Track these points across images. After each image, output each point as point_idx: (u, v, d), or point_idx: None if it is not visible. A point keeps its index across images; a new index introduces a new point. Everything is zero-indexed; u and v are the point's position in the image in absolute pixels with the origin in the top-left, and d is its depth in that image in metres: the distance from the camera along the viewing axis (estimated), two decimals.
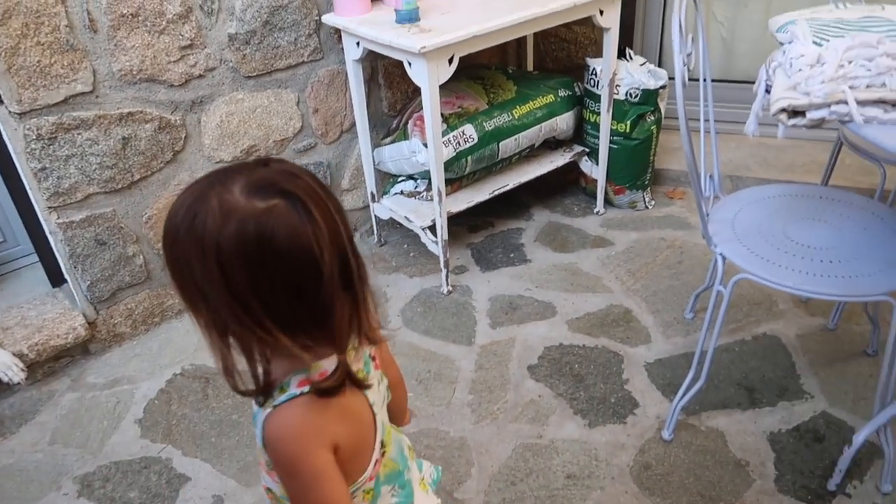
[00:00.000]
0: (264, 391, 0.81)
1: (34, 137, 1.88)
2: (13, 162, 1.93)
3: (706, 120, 1.69)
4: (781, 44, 1.50)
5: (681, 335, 2.05)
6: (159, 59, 2.00)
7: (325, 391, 0.79)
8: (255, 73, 2.20)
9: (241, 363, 0.78)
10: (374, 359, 0.93)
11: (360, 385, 0.85)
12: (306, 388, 0.79)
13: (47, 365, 2.12)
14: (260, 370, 0.79)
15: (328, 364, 0.80)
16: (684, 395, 1.70)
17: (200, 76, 2.10)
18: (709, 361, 1.63)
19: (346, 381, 0.81)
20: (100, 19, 1.87)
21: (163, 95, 2.05)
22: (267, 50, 2.19)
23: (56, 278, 2.23)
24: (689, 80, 1.47)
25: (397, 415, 1.13)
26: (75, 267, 2.08)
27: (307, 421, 0.80)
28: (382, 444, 0.93)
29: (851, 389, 1.81)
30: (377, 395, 0.92)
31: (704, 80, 1.68)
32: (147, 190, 2.12)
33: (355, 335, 0.83)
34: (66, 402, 2.04)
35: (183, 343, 2.24)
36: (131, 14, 1.91)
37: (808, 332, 2.01)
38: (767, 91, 1.58)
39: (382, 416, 0.94)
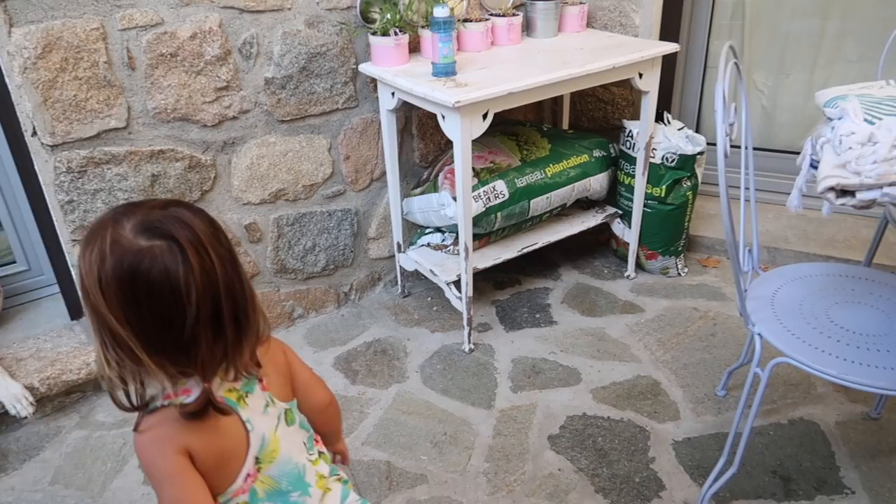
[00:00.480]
0: (142, 408, 0.92)
1: (64, 170, 1.88)
2: (42, 192, 1.93)
3: (746, 188, 1.62)
4: (829, 119, 1.44)
5: (712, 413, 1.95)
6: (194, 98, 2.01)
7: (190, 414, 0.90)
8: (288, 118, 2.20)
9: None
10: (261, 380, 1.02)
11: (221, 411, 0.93)
12: (166, 402, 0.91)
13: (57, 399, 2.08)
14: (132, 389, 0.89)
15: (194, 384, 0.91)
16: (715, 480, 1.59)
17: (234, 118, 2.10)
18: (743, 447, 1.53)
19: (208, 406, 0.90)
20: (139, 57, 1.89)
21: (195, 135, 2.05)
22: (302, 95, 2.19)
23: (75, 311, 2.21)
24: (731, 146, 1.41)
25: (317, 414, 1.19)
26: None
27: (160, 429, 0.91)
28: (258, 461, 0.99)
29: None
30: (257, 414, 0.99)
31: (746, 148, 1.62)
32: None
33: (224, 367, 0.93)
34: (72, 439, 1.99)
35: None
36: (170, 54, 1.93)
37: (849, 420, 1.89)
38: (812, 166, 1.52)
39: (265, 433, 0.99)
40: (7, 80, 1.77)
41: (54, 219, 1.93)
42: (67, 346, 2.11)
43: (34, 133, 1.82)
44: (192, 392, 0.90)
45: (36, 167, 1.87)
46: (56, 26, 1.75)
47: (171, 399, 0.91)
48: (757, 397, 1.46)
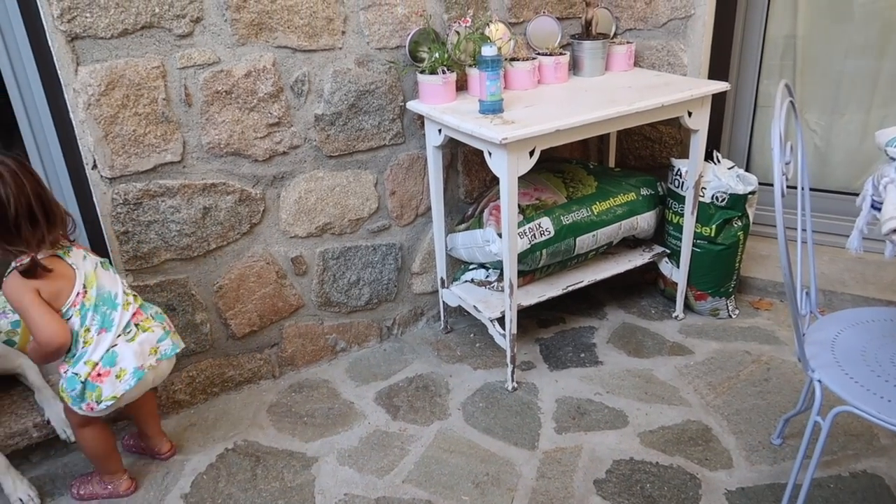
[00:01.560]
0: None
1: (121, 202, 1.93)
2: (99, 223, 1.98)
3: (803, 230, 1.58)
4: (892, 158, 1.40)
5: (767, 463, 1.86)
6: (247, 134, 2.06)
7: (25, 272, 1.57)
8: (336, 153, 2.23)
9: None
10: (73, 242, 1.72)
11: (45, 269, 1.60)
12: (19, 265, 1.58)
13: None
14: None
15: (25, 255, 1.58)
16: None
17: (284, 153, 2.15)
18: (802, 501, 1.45)
19: (37, 266, 1.58)
20: (196, 94, 1.95)
21: (246, 169, 2.10)
22: (350, 132, 2.23)
23: None
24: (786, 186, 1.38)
25: None
26: None
27: (17, 279, 1.58)
28: (84, 286, 1.66)
29: None
30: (79, 260, 1.67)
31: (802, 188, 1.58)
32: (221, 260, 2.15)
33: (46, 244, 1.61)
34: None
35: (239, 416, 2.19)
36: (225, 91, 1.99)
37: None
38: (874, 207, 1.47)
39: (86, 270, 1.67)
40: (72, 115, 1.84)
41: (109, 249, 1.98)
42: None
43: (94, 166, 1.88)
44: (23, 260, 1.57)
45: (94, 199, 1.93)
46: (119, 65, 1.82)
47: (20, 264, 1.58)
48: (817, 448, 1.39)
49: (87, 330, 1.66)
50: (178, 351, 1.82)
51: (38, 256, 1.59)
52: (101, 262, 1.74)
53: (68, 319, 1.64)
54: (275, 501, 1.86)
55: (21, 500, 1.85)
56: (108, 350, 1.67)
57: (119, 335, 1.69)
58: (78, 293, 1.64)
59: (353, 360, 2.47)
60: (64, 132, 1.89)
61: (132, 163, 1.91)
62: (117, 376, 1.68)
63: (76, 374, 1.65)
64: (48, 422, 1.99)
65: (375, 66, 2.21)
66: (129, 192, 1.94)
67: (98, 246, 2.07)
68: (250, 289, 2.22)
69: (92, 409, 1.68)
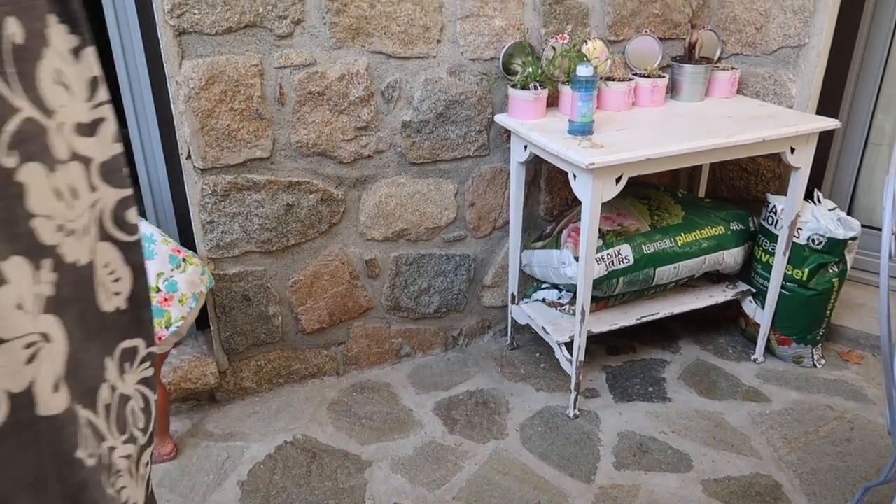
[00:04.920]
0: None
1: (209, 192, 2.00)
2: (188, 211, 2.06)
3: None
4: None
5: None
6: (335, 136, 2.09)
7: None
8: (420, 161, 2.24)
9: None
10: None
11: None
12: None
13: (174, 405, 2.19)
14: None
15: None
16: None
17: (369, 156, 2.17)
18: None
19: None
20: (289, 94, 1.99)
21: (331, 170, 2.13)
22: (436, 140, 2.23)
23: (201, 322, 2.33)
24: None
25: None
26: (219, 316, 2.16)
27: None
28: None
29: None
30: None
31: None
32: (298, 256, 2.19)
33: None
34: (182, 446, 2.09)
35: (300, 409, 2.24)
36: (318, 92, 2.02)
37: None
38: None
39: None
40: (172, 106, 1.92)
41: (195, 236, 2.06)
42: (190, 355, 2.23)
43: (188, 156, 1.96)
44: None
45: (186, 187, 2.01)
46: (221, 61, 1.88)
47: None
48: None
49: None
50: (212, 285, 2.03)
51: None
52: None
53: None
54: (326, 501, 1.89)
55: None
56: (164, 280, 1.85)
57: (173, 269, 1.87)
58: None
59: (416, 367, 2.47)
60: (164, 122, 1.97)
61: (224, 156, 1.98)
62: (180, 301, 1.86)
63: None
64: None
65: (467, 77, 2.19)
66: (218, 184, 2.00)
67: (185, 232, 2.16)
68: (323, 286, 2.26)
69: (161, 338, 1.79)
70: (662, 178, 2.72)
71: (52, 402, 0.61)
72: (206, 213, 2.02)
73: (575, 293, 2.09)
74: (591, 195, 1.86)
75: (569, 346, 2.17)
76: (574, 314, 2.15)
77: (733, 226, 2.35)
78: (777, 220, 2.28)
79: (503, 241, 2.47)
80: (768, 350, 2.45)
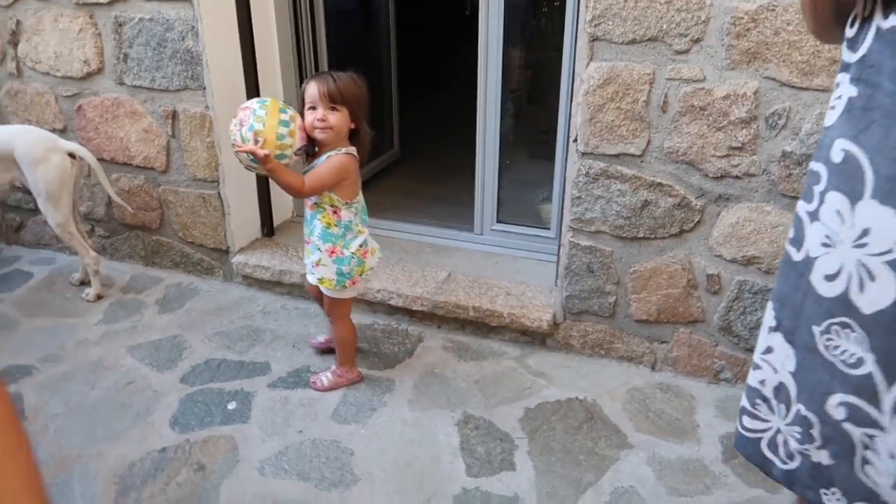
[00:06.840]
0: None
1: (584, 173, 2.38)
2: (565, 184, 2.49)
3: None
4: None
5: None
6: (706, 150, 2.22)
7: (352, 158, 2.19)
8: (791, 193, 2.18)
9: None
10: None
11: (360, 166, 2.22)
12: (352, 152, 2.18)
13: (509, 332, 2.71)
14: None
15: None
16: None
17: (737, 177, 2.22)
18: None
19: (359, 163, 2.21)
20: (672, 104, 2.20)
21: (695, 180, 2.27)
22: None
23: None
24: None
25: None
26: (566, 277, 2.56)
27: (349, 160, 2.16)
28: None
29: None
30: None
31: None
32: (644, 249, 2.42)
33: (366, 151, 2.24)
34: (505, 369, 2.60)
35: (603, 381, 2.51)
36: (700, 107, 2.18)
37: None
38: None
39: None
40: (572, 98, 2.34)
41: (563, 207, 2.48)
42: (537, 300, 2.69)
43: (575, 139, 2.37)
44: (352, 151, 2.18)
45: (567, 165, 2.43)
46: (619, 66, 2.21)
47: (349, 151, 2.18)
48: None
49: (357, 224, 2.24)
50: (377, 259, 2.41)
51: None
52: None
53: (354, 213, 2.22)
54: (578, 455, 2.16)
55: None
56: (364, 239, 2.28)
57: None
58: (359, 197, 2.25)
59: (728, 395, 2.45)
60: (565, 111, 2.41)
61: (602, 146, 2.32)
62: (371, 253, 2.30)
63: (353, 253, 2.22)
64: None
65: None
66: (592, 168, 2.37)
67: (556, 203, 2.59)
68: (658, 284, 2.43)
69: (355, 282, 2.27)
70: None
71: None
72: (576, 190, 2.42)
73: None
74: None
75: None
76: None
77: None
78: None
79: None
80: None
